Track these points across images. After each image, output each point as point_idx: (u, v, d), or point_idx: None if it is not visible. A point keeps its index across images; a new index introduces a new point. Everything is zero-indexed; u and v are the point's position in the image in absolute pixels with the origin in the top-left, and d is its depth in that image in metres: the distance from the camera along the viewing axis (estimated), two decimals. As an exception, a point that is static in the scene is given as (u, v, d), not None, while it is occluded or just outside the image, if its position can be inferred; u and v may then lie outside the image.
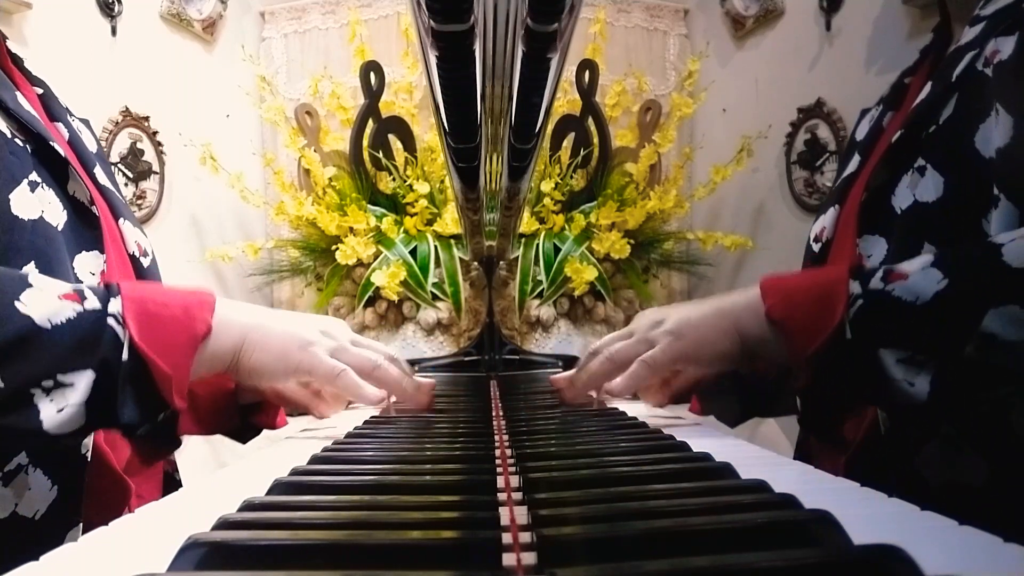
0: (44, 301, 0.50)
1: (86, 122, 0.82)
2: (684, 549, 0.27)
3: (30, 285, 0.50)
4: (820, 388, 0.56)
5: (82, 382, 0.50)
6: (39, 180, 0.62)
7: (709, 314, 0.63)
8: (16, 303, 0.49)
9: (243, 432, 0.69)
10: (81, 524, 0.59)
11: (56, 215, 0.62)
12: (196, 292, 0.59)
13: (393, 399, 0.70)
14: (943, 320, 0.51)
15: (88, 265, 0.65)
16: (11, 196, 0.59)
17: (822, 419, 0.60)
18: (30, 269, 0.58)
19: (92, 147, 0.78)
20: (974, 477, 0.57)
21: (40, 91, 0.75)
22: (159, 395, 0.53)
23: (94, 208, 0.66)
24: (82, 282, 0.63)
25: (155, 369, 0.52)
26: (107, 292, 0.53)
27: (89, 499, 0.60)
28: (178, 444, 0.61)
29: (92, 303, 0.52)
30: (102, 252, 0.66)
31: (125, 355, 0.51)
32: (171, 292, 0.58)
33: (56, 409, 0.49)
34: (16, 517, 0.56)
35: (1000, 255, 0.50)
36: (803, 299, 0.57)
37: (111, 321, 0.52)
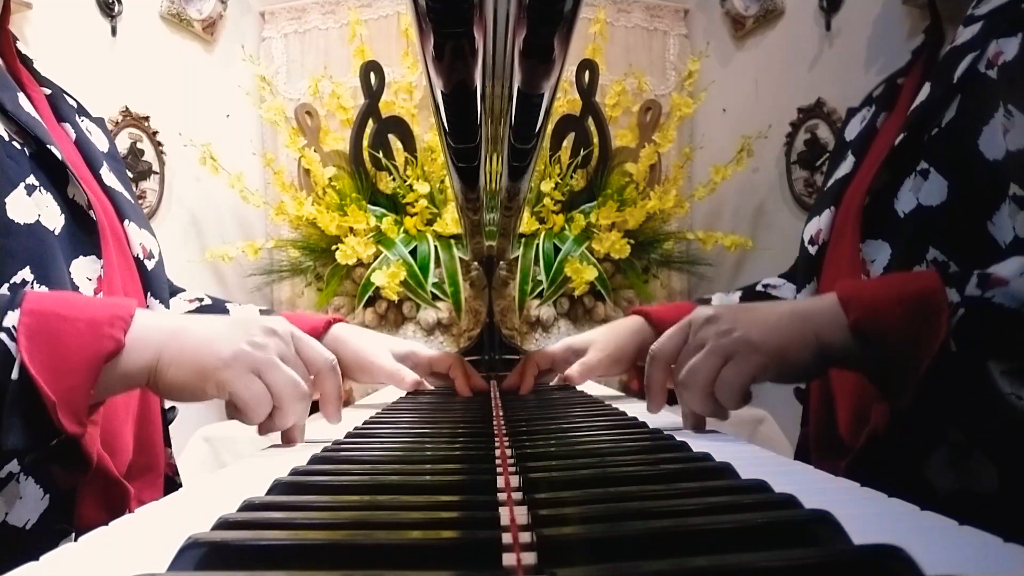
0: None
1: (99, 121, 0.80)
2: (684, 549, 0.27)
3: None
4: (926, 405, 0.53)
5: None
6: (37, 184, 0.61)
7: (787, 322, 0.57)
8: None
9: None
10: (73, 534, 0.57)
11: (53, 219, 0.61)
12: (113, 304, 0.53)
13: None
14: None
15: (85, 270, 0.64)
16: (7, 200, 0.58)
17: (913, 437, 0.57)
18: (25, 274, 0.57)
19: (103, 147, 0.77)
20: (985, 484, 0.57)
21: (48, 92, 0.74)
22: (50, 419, 0.47)
23: (92, 213, 0.65)
24: (78, 288, 0.62)
25: (45, 392, 0.47)
26: (10, 303, 0.49)
27: (87, 505, 0.58)
28: (88, 468, 0.55)
29: None
30: (100, 257, 0.65)
31: (15, 374, 0.46)
32: (84, 305, 0.52)
33: None
34: (7, 526, 0.54)
35: None
36: (895, 312, 0.53)
37: (2, 336, 0.47)
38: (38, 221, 0.60)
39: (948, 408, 0.53)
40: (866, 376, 0.57)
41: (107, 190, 0.72)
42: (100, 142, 0.77)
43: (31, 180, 0.60)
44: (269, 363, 0.55)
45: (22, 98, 0.65)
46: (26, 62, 0.73)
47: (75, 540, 0.55)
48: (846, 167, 0.77)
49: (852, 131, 0.81)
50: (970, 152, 0.59)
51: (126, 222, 0.72)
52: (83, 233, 0.64)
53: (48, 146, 0.63)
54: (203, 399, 0.56)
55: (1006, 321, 0.49)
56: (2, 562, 0.52)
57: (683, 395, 0.60)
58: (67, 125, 0.73)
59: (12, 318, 0.48)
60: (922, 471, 0.59)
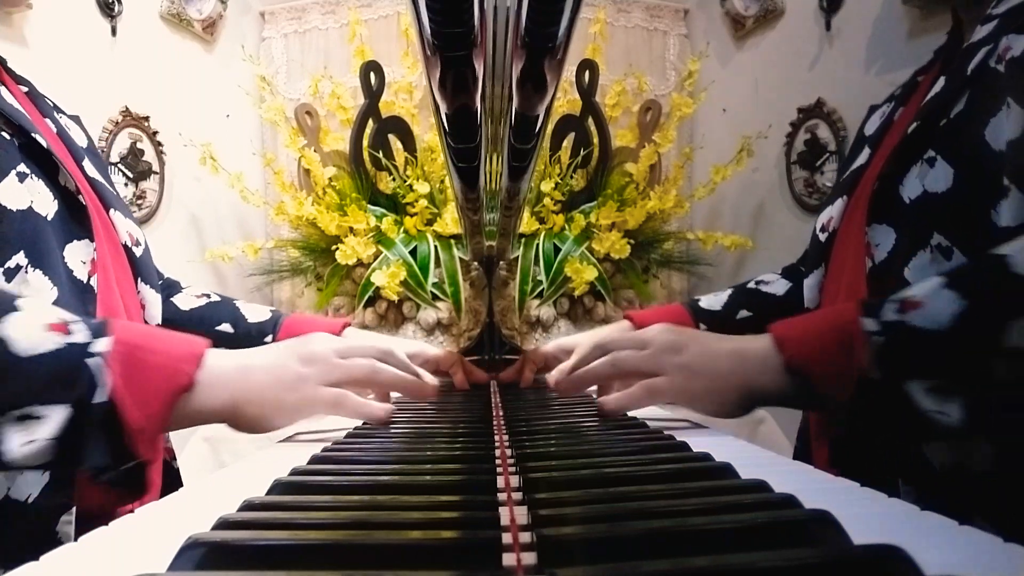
0: (27, 328, 0.48)
1: (76, 118, 0.82)
2: (684, 549, 0.27)
3: (16, 309, 0.49)
4: (855, 432, 0.55)
5: (54, 417, 0.48)
6: (27, 171, 0.62)
7: (725, 360, 0.61)
8: None
9: None
10: (74, 508, 0.59)
11: (46, 205, 0.63)
12: (188, 341, 0.56)
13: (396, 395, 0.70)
14: (967, 344, 0.49)
15: (79, 254, 0.65)
16: None
17: (856, 459, 0.59)
18: (19, 259, 0.59)
19: (82, 141, 0.79)
20: (981, 462, 0.58)
21: (25, 89, 0.76)
22: (129, 443, 0.50)
23: (81, 197, 0.66)
24: (73, 271, 0.64)
25: (128, 418, 0.50)
26: (100, 329, 0.51)
27: (83, 483, 0.59)
28: (144, 492, 0.59)
29: (78, 337, 0.50)
30: (92, 240, 0.66)
31: (101, 397, 0.49)
32: (164, 338, 0.55)
33: (22, 441, 0.47)
34: (9, 501, 0.56)
35: (1008, 266, 0.49)
36: (820, 346, 0.55)
37: (94, 360, 0.49)
38: (31, 207, 0.61)
39: (877, 433, 0.55)
40: (802, 409, 0.59)
41: (91, 181, 0.74)
42: (79, 137, 0.79)
43: (22, 168, 0.62)
44: (331, 367, 0.61)
45: (5, 92, 0.67)
46: (1, 61, 0.74)
47: (75, 516, 0.57)
48: (862, 158, 0.78)
49: (871, 126, 0.82)
50: (977, 142, 0.60)
51: (112, 211, 0.74)
52: (75, 218, 0.66)
53: (34, 135, 0.64)
54: (282, 427, 0.60)
55: (924, 342, 0.51)
56: (6, 535, 0.53)
57: (593, 369, 0.67)
58: (48, 120, 0.75)
59: (104, 344, 0.50)
60: (921, 448, 0.60)
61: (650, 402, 0.64)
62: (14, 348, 0.47)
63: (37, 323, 0.49)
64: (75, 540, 0.32)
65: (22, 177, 0.61)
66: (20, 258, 0.59)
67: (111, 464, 0.51)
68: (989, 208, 0.58)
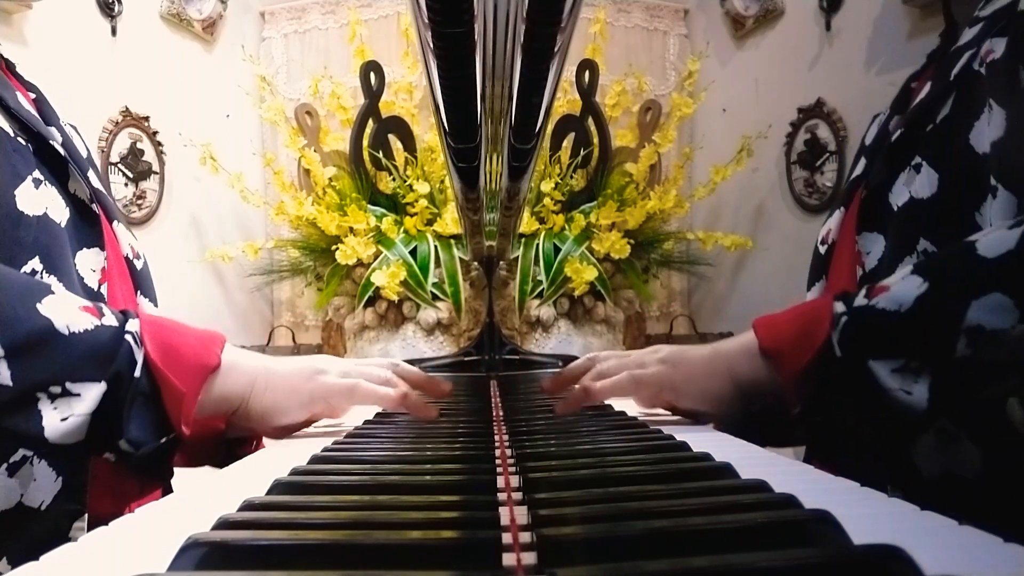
0: (65, 308, 0.50)
1: (75, 128, 0.82)
2: (684, 549, 0.27)
3: (52, 292, 0.51)
4: (816, 411, 0.56)
5: (91, 393, 0.50)
6: (42, 178, 0.62)
7: (704, 354, 0.65)
8: (38, 304, 0.49)
9: (226, 462, 0.69)
10: (87, 515, 0.59)
11: (59, 212, 0.63)
12: (207, 330, 0.60)
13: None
14: (929, 322, 0.51)
15: (89, 262, 0.65)
16: (16, 192, 0.59)
17: (822, 440, 0.60)
18: (35, 265, 0.59)
19: (83, 152, 0.78)
20: (969, 468, 0.58)
21: (33, 96, 0.75)
22: (166, 417, 0.53)
23: (94, 206, 0.67)
24: (84, 278, 0.64)
25: (167, 389, 0.52)
26: (124, 315, 0.54)
27: (96, 489, 0.60)
28: (170, 476, 0.61)
29: (110, 320, 0.52)
30: (103, 249, 0.66)
31: (138, 372, 0.52)
32: (184, 326, 0.58)
33: (59, 417, 0.49)
34: (22, 507, 0.56)
35: (975, 249, 0.50)
36: (789, 327, 0.58)
37: (128, 337, 0.52)
38: (46, 213, 0.61)
39: (840, 409, 0.56)
40: (780, 400, 0.61)
41: (95, 191, 0.73)
42: (80, 147, 0.78)
43: (36, 174, 0.62)
44: (349, 369, 0.66)
45: (20, 96, 0.66)
46: (9, 66, 0.74)
47: (88, 522, 0.58)
48: (859, 169, 0.78)
49: (871, 135, 0.82)
50: (961, 146, 0.60)
51: (115, 223, 0.74)
52: (86, 226, 0.66)
53: (51, 142, 0.65)
54: (293, 418, 0.64)
55: (886, 321, 0.52)
56: (19, 542, 0.54)
57: (589, 378, 0.69)
58: (53, 129, 0.75)
59: (135, 324, 0.53)
60: (909, 455, 0.60)
61: (634, 389, 0.67)
62: (56, 326, 0.49)
63: (72, 305, 0.51)
64: None
65: (37, 183, 0.61)
66: (36, 263, 0.59)
67: (149, 437, 0.53)
68: (974, 212, 0.59)
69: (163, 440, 0.54)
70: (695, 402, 0.65)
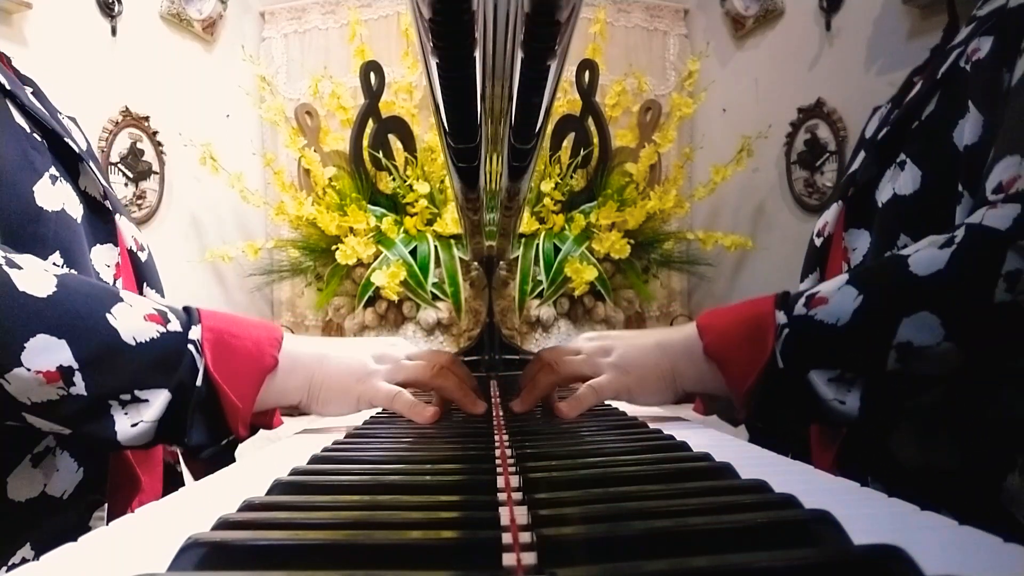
0: (132, 318, 0.52)
1: (74, 120, 0.82)
2: (684, 549, 0.27)
3: (121, 300, 0.52)
4: (761, 418, 0.59)
5: (158, 400, 0.52)
6: (57, 174, 0.63)
7: (651, 352, 0.65)
8: (107, 315, 0.51)
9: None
10: (106, 505, 0.61)
11: (75, 208, 0.63)
12: (265, 325, 0.61)
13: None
14: (862, 335, 0.53)
15: (104, 258, 0.66)
16: (35, 188, 0.59)
17: (771, 439, 0.61)
18: (55, 259, 0.59)
19: (83, 144, 0.79)
20: (947, 461, 0.58)
21: (30, 90, 0.75)
22: (225, 422, 0.55)
23: (107, 202, 0.67)
24: (99, 274, 0.65)
25: (225, 399, 0.55)
26: (188, 319, 0.56)
27: (114, 480, 0.62)
28: (232, 463, 0.63)
29: (174, 326, 0.54)
30: (116, 245, 0.67)
31: (199, 381, 0.54)
32: (244, 324, 0.60)
33: (131, 423, 0.51)
34: (45, 496, 0.57)
35: (907, 266, 0.52)
36: (736, 335, 0.59)
37: (190, 347, 0.54)
38: (64, 209, 0.62)
39: (781, 415, 0.58)
40: (720, 398, 0.63)
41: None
42: (80, 140, 0.78)
43: (53, 170, 0.63)
44: (398, 367, 0.66)
45: (31, 93, 0.67)
46: (6, 60, 0.74)
47: (107, 510, 0.59)
48: (857, 162, 0.78)
49: (871, 128, 0.82)
50: (944, 143, 0.61)
51: (117, 216, 0.74)
52: (99, 222, 0.67)
53: (65, 139, 0.65)
54: (353, 411, 0.66)
55: (824, 334, 0.54)
56: (42, 529, 0.55)
57: (538, 378, 0.69)
58: (53, 122, 0.75)
59: (196, 332, 0.55)
60: (888, 446, 0.62)
61: (597, 399, 0.67)
62: (124, 336, 0.51)
63: (138, 313, 0.53)
64: None
65: (54, 180, 0.62)
66: (56, 258, 0.59)
67: (210, 442, 0.55)
68: (953, 209, 0.59)
69: (223, 443, 0.57)
70: (647, 403, 0.67)
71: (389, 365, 0.66)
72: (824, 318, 0.54)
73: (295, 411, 0.74)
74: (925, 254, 0.52)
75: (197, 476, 0.66)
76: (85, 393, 0.49)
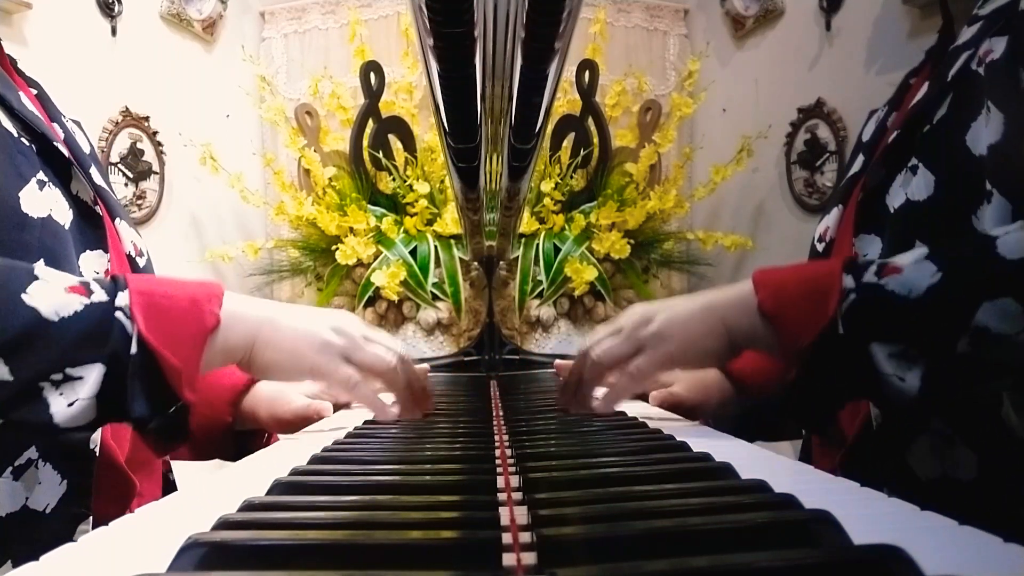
0: (51, 294, 0.49)
1: (78, 123, 0.82)
2: (684, 549, 0.27)
3: (36, 278, 0.50)
4: (811, 382, 0.56)
5: (92, 375, 0.50)
6: (45, 179, 0.62)
7: (697, 311, 0.62)
8: (23, 295, 0.48)
9: (238, 455, 0.69)
10: (91, 518, 0.60)
11: (63, 214, 0.63)
12: (203, 284, 0.58)
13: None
14: (936, 314, 0.50)
15: (93, 264, 0.65)
16: (21, 194, 0.59)
17: (811, 412, 0.60)
18: (39, 266, 0.58)
19: (86, 147, 0.78)
20: (965, 472, 0.57)
21: (35, 92, 0.75)
22: (169, 388, 0.53)
23: (97, 208, 0.67)
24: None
25: (164, 362, 0.52)
26: (114, 285, 0.53)
27: (97, 494, 0.60)
28: (187, 436, 0.61)
29: (99, 296, 0.51)
30: (106, 251, 0.66)
31: (134, 348, 0.51)
32: (177, 284, 0.57)
33: (66, 403, 0.49)
34: (27, 511, 0.56)
35: (995, 247, 0.49)
36: (796, 293, 0.57)
37: (119, 314, 0.51)
38: (50, 215, 0.61)
39: (834, 387, 0.55)
40: (772, 355, 0.60)
41: (97, 189, 0.73)
42: (83, 143, 0.78)
43: (40, 176, 0.62)
44: (355, 346, 0.63)
45: (23, 96, 0.66)
46: (12, 62, 0.74)
47: (92, 525, 0.58)
48: (856, 166, 0.78)
49: (868, 131, 0.82)
50: (957, 148, 0.60)
51: (117, 220, 0.74)
52: (89, 227, 0.66)
53: (55, 143, 0.64)
54: (293, 380, 0.63)
55: (893, 306, 0.51)
56: (24, 544, 0.54)
57: (587, 380, 0.66)
58: (55, 125, 0.74)
59: (124, 298, 0.52)
60: (906, 459, 0.60)
61: (637, 385, 0.65)
62: (44, 314, 0.48)
63: (58, 288, 0.50)
64: None
65: (41, 185, 0.61)
66: (40, 266, 0.58)
67: (155, 410, 0.53)
68: (970, 215, 0.58)
69: (171, 410, 0.54)
70: (694, 365, 0.64)
71: (347, 341, 0.63)
72: (896, 289, 0.51)
73: (289, 429, 0.74)
74: (1015, 236, 0.49)
75: (158, 452, 0.65)
76: (11, 378, 0.47)
